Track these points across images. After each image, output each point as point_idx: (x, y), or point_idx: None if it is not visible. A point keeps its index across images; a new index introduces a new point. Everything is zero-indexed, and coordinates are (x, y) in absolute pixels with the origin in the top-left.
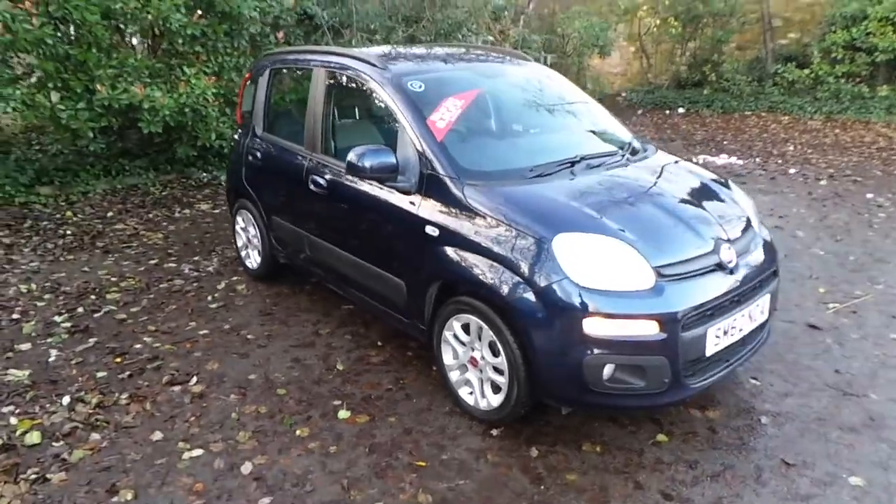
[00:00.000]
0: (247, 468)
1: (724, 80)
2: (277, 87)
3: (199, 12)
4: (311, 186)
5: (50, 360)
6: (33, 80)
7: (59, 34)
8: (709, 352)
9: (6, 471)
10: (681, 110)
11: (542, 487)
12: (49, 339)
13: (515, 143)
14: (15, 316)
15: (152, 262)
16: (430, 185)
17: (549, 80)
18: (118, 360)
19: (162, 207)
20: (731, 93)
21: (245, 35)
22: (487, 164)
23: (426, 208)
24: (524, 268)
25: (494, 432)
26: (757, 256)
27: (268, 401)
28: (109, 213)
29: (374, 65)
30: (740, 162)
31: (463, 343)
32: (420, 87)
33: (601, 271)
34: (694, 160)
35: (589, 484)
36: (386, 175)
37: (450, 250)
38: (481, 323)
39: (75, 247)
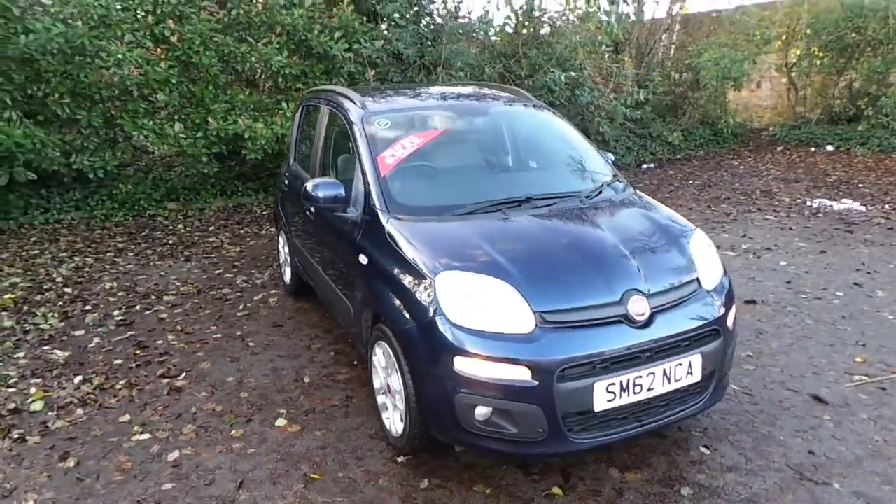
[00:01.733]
0: (172, 456)
1: (884, 115)
2: (306, 122)
3: (296, 57)
4: (307, 212)
5: (90, 346)
6: (163, 114)
7: (182, 76)
8: (598, 407)
9: (2, 429)
10: (829, 148)
11: None
12: (99, 329)
13: (464, 180)
14: (87, 307)
15: (217, 271)
16: (368, 217)
17: (538, 121)
18: (138, 351)
19: (254, 225)
20: (892, 129)
21: (343, 73)
22: (422, 200)
23: (363, 238)
24: (414, 302)
25: (400, 459)
26: (688, 313)
27: (228, 401)
28: (210, 227)
29: (354, 102)
30: (862, 209)
31: (384, 368)
32: (386, 124)
33: (478, 311)
34: (808, 202)
35: None
36: (335, 205)
37: (373, 279)
38: (390, 351)
39: (167, 254)
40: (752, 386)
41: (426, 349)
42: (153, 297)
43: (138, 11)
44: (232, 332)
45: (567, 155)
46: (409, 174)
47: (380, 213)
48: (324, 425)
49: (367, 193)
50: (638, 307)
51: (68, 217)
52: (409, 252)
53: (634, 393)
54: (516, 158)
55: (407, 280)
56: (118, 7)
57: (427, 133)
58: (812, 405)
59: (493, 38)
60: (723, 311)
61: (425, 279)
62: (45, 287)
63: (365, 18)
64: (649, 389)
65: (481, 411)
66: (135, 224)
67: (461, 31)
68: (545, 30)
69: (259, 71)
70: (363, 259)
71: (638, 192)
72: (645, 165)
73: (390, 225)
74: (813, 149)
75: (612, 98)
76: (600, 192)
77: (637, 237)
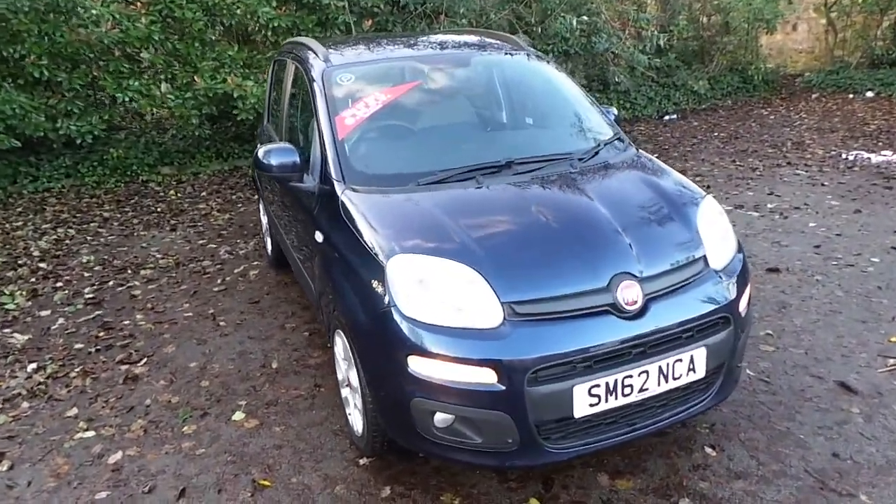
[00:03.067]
0: (114, 458)
1: None
2: (276, 79)
3: (285, 8)
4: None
5: (53, 327)
6: (149, 74)
7: (166, 33)
8: (580, 412)
9: None
10: (869, 94)
11: None
12: (67, 308)
13: (435, 143)
14: (59, 284)
15: (201, 241)
16: (325, 188)
17: (528, 72)
18: (101, 333)
19: (248, 189)
20: None
21: (339, 24)
22: (383, 167)
23: (318, 212)
24: (366, 289)
25: (362, 462)
26: (691, 298)
27: (186, 391)
28: (202, 193)
29: (317, 55)
30: None
31: (344, 360)
32: (350, 79)
33: (437, 302)
34: (844, 155)
35: None
36: (289, 174)
37: (327, 260)
38: (347, 343)
39: (153, 223)
40: (770, 371)
41: (378, 346)
42: (129, 272)
43: None
44: (204, 309)
45: (559, 111)
46: (370, 137)
47: (335, 182)
48: (284, 420)
49: (324, 160)
50: (629, 294)
51: (58, 185)
52: (363, 230)
53: (624, 395)
54: (499, 116)
55: (358, 263)
56: None
57: (396, 88)
58: (839, 395)
59: None
60: (734, 294)
61: (378, 263)
62: (19, 262)
63: None
64: (642, 390)
65: (441, 418)
66: (125, 191)
67: None
68: None
69: (247, 25)
70: (319, 237)
71: (642, 152)
72: (667, 117)
73: (345, 197)
74: (851, 95)
75: (629, 45)
76: (596, 153)
77: (632, 208)
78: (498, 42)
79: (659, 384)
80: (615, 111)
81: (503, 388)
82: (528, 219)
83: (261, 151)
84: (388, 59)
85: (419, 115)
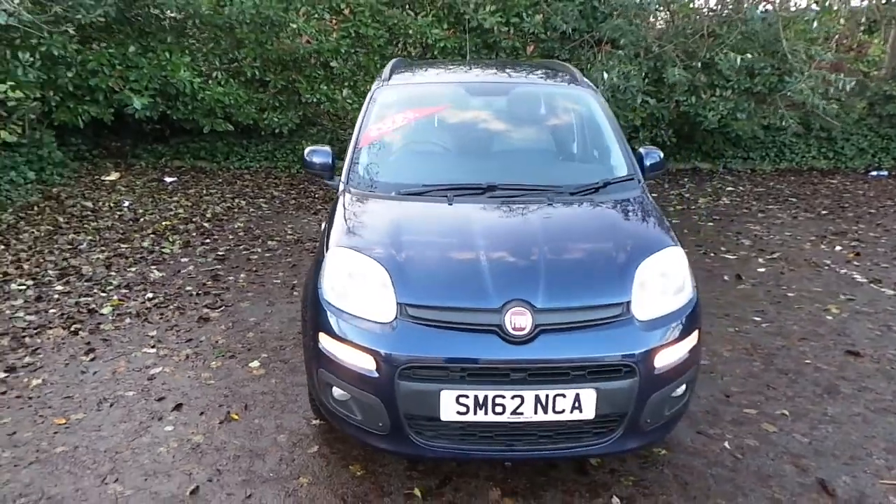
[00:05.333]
0: (154, 371)
1: None
2: None
3: (453, 31)
4: None
5: (182, 271)
6: (337, 81)
7: (353, 47)
8: (446, 416)
9: (72, 321)
10: None
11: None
12: (199, 259)
13: (435, 161)
14: (207, 241)
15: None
16: (341, 188)
17: (563, 105)
18: (209, 282)
19: None
20: None
21: (503, 48)
22: (381, 176)
23: (330, 207)
24: (315, 272)
25: (314, 422)
26: (591, 340)
27: (233, 337)
28: None
29: (382, 73)
30: None
31: None
32: (393, 97)
33: (347, 292)
34: None
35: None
36: (324, 172)
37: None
38: None
39: (303, 206)
40: (750, 449)
41: (307, 321)
42: (259, 241)
43: None
44: (290, 280)
45: (576, 145)
46: (383, 149)
47: (341, 184)
48: (283, 376)
49: (348, 164)
50: (518, 321)
51: (257, 165)
52: (334, 224)
53: (494, 412)
54: (513, 144)
55: (321, 251)
56: None
57: (425, 109)
58: (809, 492)
59: (663, 15)
60: (648, 348)
61: (326, 252)
62: (193, 219)
63: None
64: (515, 413)
65: (338, 392)
66: (301, 177)
67: (631, 5)
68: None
69: (418, 44)
70: (323, 226)
71: (646, 196)
72: (874, 173)
73: (342, 196)
74: None
75: (804, 88)
76: (588, 191)
77: (572, 246)
78: (556, 73)
79: (536, 412)
80: (660, 154)
81: (377, 375)
82: (463, 238)
83: (307, 150)
84: (435, 83)
85: (433, 135)
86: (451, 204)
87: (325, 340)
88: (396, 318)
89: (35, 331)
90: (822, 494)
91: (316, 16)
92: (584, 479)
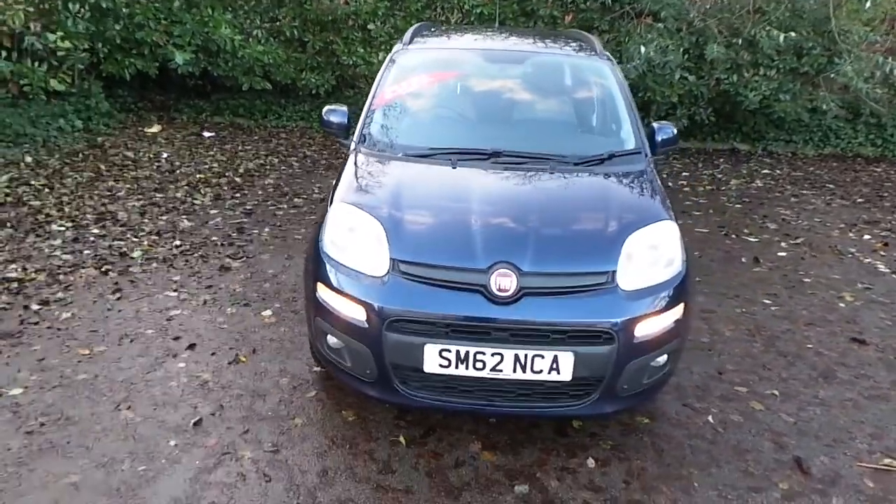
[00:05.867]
0: (174, 312)
1: None
2: None
3: None
4: None
5: (210, 222)
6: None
7: (391, 10)
8: (429, 368)
9: (105, 262)
10: None
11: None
12: (228, 212)
13: (445, 126)
14: (237, 195)
15: None
16: (353, 147)
17: (579, 76)
18: (233, 234)
19: None
20: None
21: (542, 16)
22: (391, 137)
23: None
24: (319, 225)
25: (315, 368)
26: (573, 306)
27: (250, 286)
28: None
29: (404, 37)
30: None
31: None
32: (412, 61)
33: (346, 245)
34: None
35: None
36: (340, 131)
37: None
38: None
39: (333, 166)
40: (733, 425)
41: (308, 271)
42: (287, 198)
43: None
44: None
45: (587, 116)
46: (395, 112)
47: (353, 143)
48: (292, 325)
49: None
50: (503, 282)
51: (293, 124)
52: (341, 180)
53: (475, 368)
54: (524, 112)
55: (326, 206)
56: None
57: (441, 73)
58: (783, 468)
59: None
60: (628, 317)
61: (329, 207)
62: (225, 174)
63: None
64: (495, 369)
65: (332, 340)
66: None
67: None
68: None
69: (455, 10)
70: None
71: (650, 170)
72: None
73: (352, 155)
74: None
75: (849, 69)
76: (594, 162)
77: (568, 214)
78: (576, 43)
79: (515, 370)
80: (673, 130)
81: (367, 325)
82: (460, 201)
83: (325, 109)
84: (454, 49)
85: (445, 100)
86: (454, 168)
87: (322, 290)
88: (389, 272)
89: (70, 269)
90: (795, 472)
91: None
92: (564, 440)
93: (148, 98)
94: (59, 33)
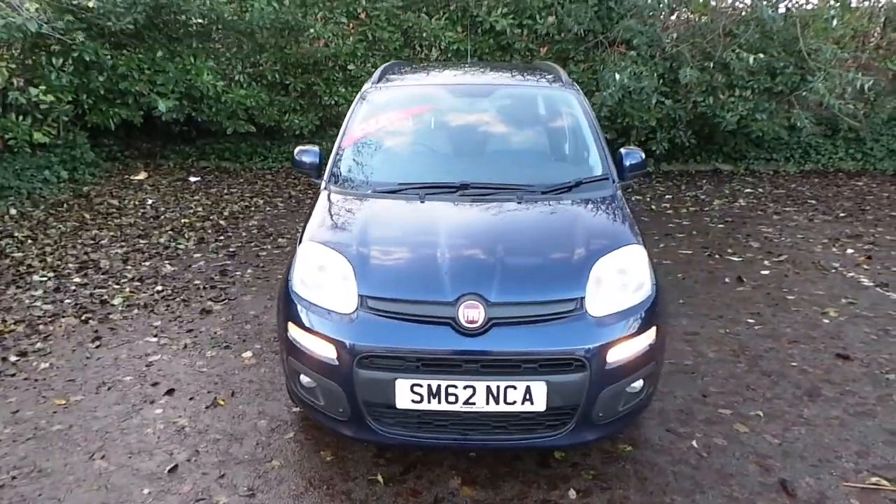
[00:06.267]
0: (153, 358)
1: None
2: None
3: (465, 33)
4: None
5: (192, 266)
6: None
7: (369, 51)
8: (401, 404)
9: (84, 310)
10: None
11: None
12: (212, 255)
13: (413, 161)
14: (221, 238)
15: None
16: (324, 186)
17: (545, 106)
18: (216, 277)
19: None
20: None
21: (517, 50)
22: (360, 175)
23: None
24: (290, 265)
25: (294, 409)
26: (542, 334)
27: (231, 328)
28: None
29: (374, 74)
30: None
31: None
32: (382, 98)
33: (315, 284)
34: None
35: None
36: (311, 171)
37: None
38: None
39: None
40: (717, 448)
41: (280, 311)
42: (270, 238)
43: None
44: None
45: (554, 145)
46: (364, 150)
47: (323, 182)
48: (274, 365)
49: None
50: (471, 314)
51: (279, 166)
52: (310, 219)
53: (448, 402)
54: (491, 144)
55: (297, 245)
56: None
57: (407, 111)
58: (768, 492)
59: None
60: (601, 344)
61: (298, 246)
62: (211, 217)
63: None
64: (468, 403)
65: (306, 379)
66: None
67: (644, 6)
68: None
69: (433, 47)
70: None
71: (618, 196)
72: None
73: (322, 193)
74: None
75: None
76: (561, 190)
77: (535, 243)
78: (541, 74)
79: (488, 403)
80: (640, 154)
81: (337, 363)
82: (427, 235)
83: (297, 150)
84: (422, 85)
85: (414, 136)
86: (423, 202)
87: (293, 330)
88: (357, 309)
89: (49, 319)
90: (781, 494)
91: (333, 20)
92: (545, 472)
93: (134, 146)
94: (42, 87)
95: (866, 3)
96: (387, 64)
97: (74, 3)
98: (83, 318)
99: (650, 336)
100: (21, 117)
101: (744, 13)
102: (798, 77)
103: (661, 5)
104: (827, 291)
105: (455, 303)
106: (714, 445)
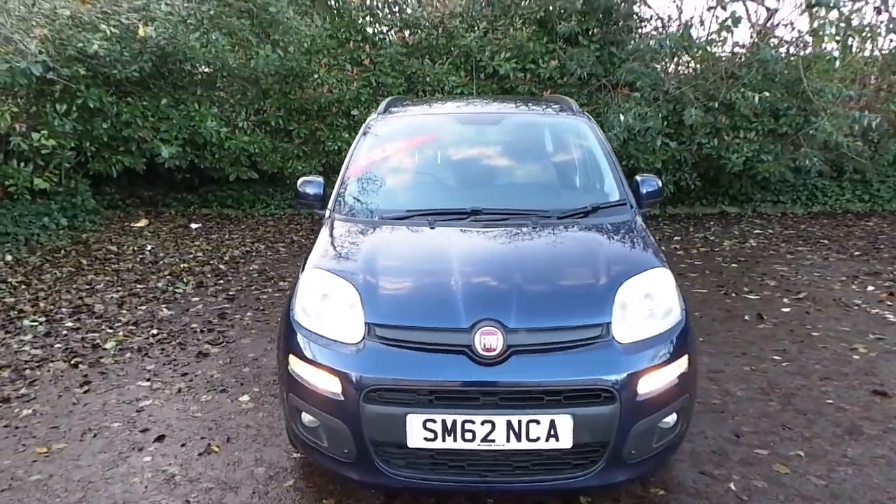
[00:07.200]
0: (144, 403)
1: None
2: None
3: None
4: None
5: (190, 309)
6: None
7: (373, 96)
8: (413, 443)
9: (74, 354)
10: None
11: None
12: (210, 299)
13: (423, 188)
14: (220, 282)
15: None
16: (329, 215)
17: (556, 133)
18: (214, 320)
19: None
20: None
21: (522, 92)
22: (368, 202)
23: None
24: (292, 294)
25: (294, 455)
26: (567, 362)
27: (228, 372)
28: None
29: (380, 106)
30: None
31: None
32: (386, 128)
33: (319, 313)
34: None
35: None
36: (315, 202)
37: None
38: None
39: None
40: (758, 492)
41: (280, 344)
42: (272, 282)
43: (340, 38)
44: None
45: (568, 172)
46: (370, 179)
47: (328, 211)
48: (273, 409)
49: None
50: (489, 341)
51: (280, 212)
52: (315, 248)
53: (464, 439)
54: (503, 172)
55: (299, 274)
56: (325, 35)
57: (414, 140)
58: None
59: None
60: (631, 373)
61: (301, 274)
62: (211, 261)
63: (545, 38)
64: (486, 440)
65: (307, 419)
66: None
67: (647, 49)
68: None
69: (437, 91)
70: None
71: (637, 221)
72: None
73: (327, 222)
74: None
75: (828, 125)
76: (578, 215)
77: (554, 267)
78: (552, 105)
79: (508, 440)
80: (657, 182)
81: (343, 398)
82: (439, 260)
83: (300, 181)
84: (429, 115)
85: (421, 164)
86: (433, 228)
87: (294, 363)
88: (364, 338)
89: (37, 364)
90: None
91: (338, 66)
92: None
93: (136, 194)
94: (45, 131)
95: (864, 51)
96: (391, 98)
97: (78, 47)
98: (73, 362)
99: (682, 365)
100: (23, 164)
101: (744, 57)
102: (802, 118)
103: (662, 50)
104: (852, 328)
105: (471, 329)
106: (754, 488)
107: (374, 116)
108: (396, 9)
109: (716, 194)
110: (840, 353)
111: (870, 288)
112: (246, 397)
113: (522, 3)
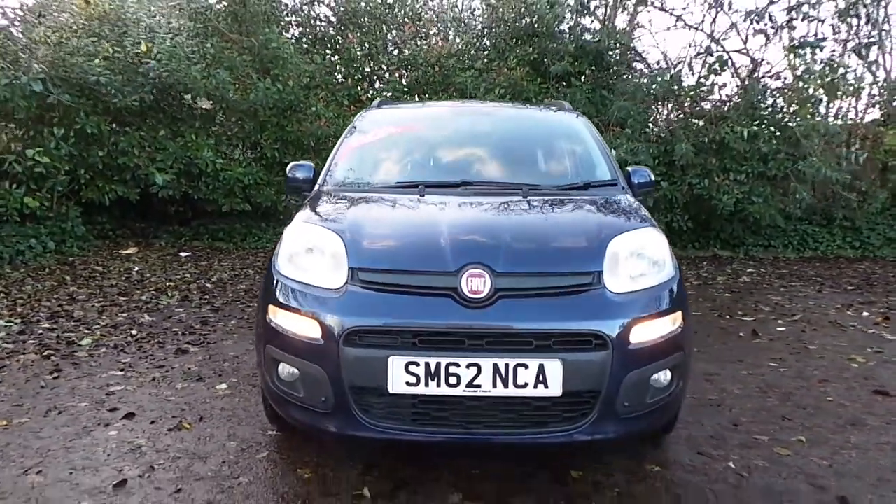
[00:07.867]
0: (116, 388)
1: None
2: None
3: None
4: None
5: (172, 317)
6: None
7: None
8: (395, 388)
9: (49, 348)
10: None
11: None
12: (195, 309)
13: (414, 164)
14: (206, 297)
15: None
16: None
17: (550, 123)
18: (197, 326)
19: None
20: None
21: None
22: (358, 176)
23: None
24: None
25: (270, 432)
26: (558, 307)
27: (207, 365)
28: None
29: (374, 103)
30: None
31: None
32: (379, 117)
33: (300, 261)
34: None
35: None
36: (304, 185)
37: None
38: None
39: None
40: (759, 470)
41: (261, 298)
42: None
43: (338, 76)
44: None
45: (560, 156)
46: (363, 157)
47: (317, 185)
48: (248, 395)
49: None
50: (475, 283)
51: (272, 246)
52: (301, 210)
53: (448, 384)
54: (495, 151)
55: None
56: (324, 72)
57: (407, 126)
58: None
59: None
60: (623, 321)
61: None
62: (198, 281)
63: (539, 79)
64: (472, 385)
65: (284, 370)
66: None
67: (638, 92)
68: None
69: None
70: None
71: (630, 197)
72: None
73: (314, 192)
74: None
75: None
76: (571, 188)
77: (544, 225)
78: (544, 104)
79: (495, 385)
80: (649, 173)
81: (322, 342)
82: (427, 216)
83: (290, 166)
84: (422, 108)
85: (413, 147)
86: (423, 196)
87: (272, 312)
88: (346, 283)
89: (7, 355)
90: None
91: (335, 101)
92: (562, 489)
93: (127, 225)
94: (38, 148)
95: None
96: (382, 98)
97: (80, 74)
98: (45, 354)
99: (676, 320)
100: (15, 185)
101: (732, 101)
102: (790, 162)
103: (650, 93)
104: (849, 343)
105: (457, 273)
106: (755, 466)
107: (364, 111)
108: (395, 51)
109: (707, 237)
110: (838, 362)
111: (865, 313)
112: (223, 385)
113: (517, 46)
